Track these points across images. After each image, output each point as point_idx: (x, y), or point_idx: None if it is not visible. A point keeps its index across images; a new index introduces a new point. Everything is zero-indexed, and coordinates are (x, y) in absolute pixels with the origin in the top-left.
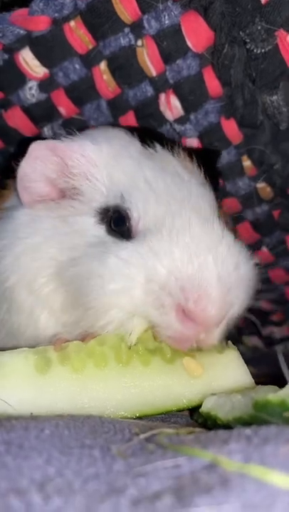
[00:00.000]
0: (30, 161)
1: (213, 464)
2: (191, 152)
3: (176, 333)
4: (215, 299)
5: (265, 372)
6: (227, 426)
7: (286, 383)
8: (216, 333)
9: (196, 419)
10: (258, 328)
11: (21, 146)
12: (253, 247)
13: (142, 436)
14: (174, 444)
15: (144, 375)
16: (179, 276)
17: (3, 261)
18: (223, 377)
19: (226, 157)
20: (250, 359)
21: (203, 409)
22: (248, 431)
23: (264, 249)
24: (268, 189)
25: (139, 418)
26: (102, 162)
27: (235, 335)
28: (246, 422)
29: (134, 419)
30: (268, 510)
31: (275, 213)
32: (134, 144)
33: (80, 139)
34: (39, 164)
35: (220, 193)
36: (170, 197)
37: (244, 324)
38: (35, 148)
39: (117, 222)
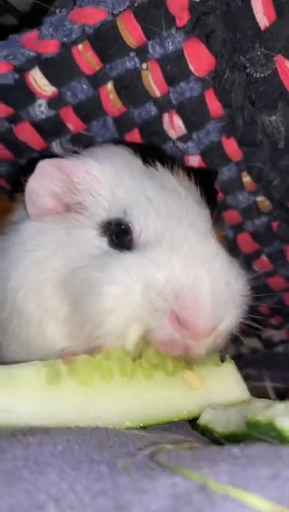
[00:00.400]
0: (38, 178)
1: (203, 485)
2: (189, 171)
3: (167, 337)
4: (206, 310)
5: (263, 373)
6: (223, 437)
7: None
8: (204, 343)
9: (196, 428)
10: (257, 331)
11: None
12: (253, 257)
13: (145, 452)
14: (171, 463)
15: (147, 387)
16: (175, 285)
17: (13, 274)
18: (221, 390)
19: (226, 173)
20: (250, 360)
21: (201, 421)
22: (236, 450)
23: (263, 258)
24: (267, 202)
25: (143, 427)
26: (105, 179)
27: (235, 337)
28: (240, 436)
29: (138, 428)
30: None
31: (274, 225)
32: (135, 163)
33: (84, 158)
34: (46, 180)
35: (221, 206)
36: (169, 213)
37: (244, 327)
38: (43, 166)
39: (119, 235)
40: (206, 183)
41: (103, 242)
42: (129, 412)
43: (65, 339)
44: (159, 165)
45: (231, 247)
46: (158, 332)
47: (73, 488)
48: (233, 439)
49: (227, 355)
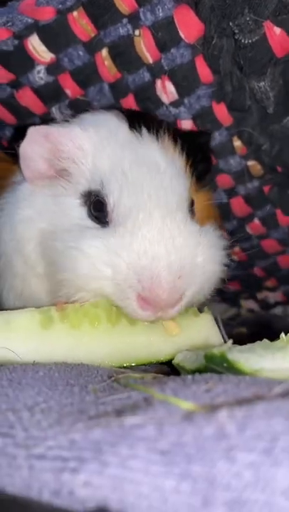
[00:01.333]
0: (29, 143)
1: (149, 396)
2: (178, 135)
3: (138, 316)
4: (164, 286)
5: (258, 332)
6: (191, 373)
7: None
8: (173, 312)
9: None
10: (253, 292)
11: None
12: (246, 220)
13: (113, 378)
14: (132, 384)
15: (130, 333)
16: (136, 269)
17: (5, 228)
18: (196, 336)
19: (217, 138)
20: (246, 320)
21: (175, 361)
22: (189, 377)
23: (256, 221)
24: (258, 167)
25: (124, 368)
26: (88, 148)
27: (233, 299)
28: (202, 371)
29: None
30: (167, 420)
31: (266, 189)
32: (121, 130)
33: (70, 125)
34: (36, 146)
35: (213, 170)
36: (140, 190)
37: (241, 289)
38: (31, 133)
39: (96, 207)
40: (199, 145)
41: (83, 212)
42: (113, 353)
43: (47, 294)
44: (144, 131)
45: (225, 211)
46: (128, 310)
47: (46, 401)
48: (198, 372)
49: (206, 307)
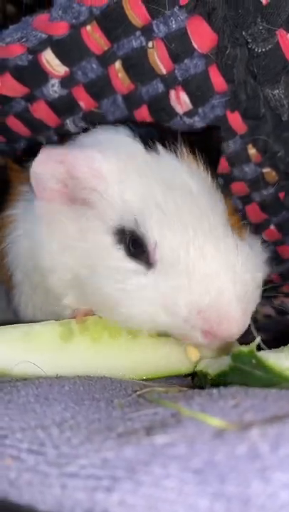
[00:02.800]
0: (42, 164)
1: (176, 412)
2: (190, 142)
3: (198, 343)
4: (236, 319)
5: (274, 337)
6: (216, 381)
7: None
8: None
9: (195, 382)
10: (269, 298)
11: None
12: (262, 227)
13: (138, 393)
14: (158, 399)
15: (151, 345)
16: (199, 308)
17: (22, 244)
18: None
19: (232, 146)
20: (263, 326)
21: (197, 368)
22: (214, 390)
23: (272, 227)
24: (273, 173)
25: (146, 380)
26: (111, 178)
27: None
28: (227, 373)
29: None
30: (198, 438)
31: (281, 195)
32: (138, 151)
33: (86, 149)
34: (50, 168)
35: (228, 178)
36: (181, 222)
37: None
38: (44, 155)
39: (135, 244)
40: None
41: (120, 252)
42: (133, 366)
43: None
44: (160, 148)
45: (241, 218)
46: (190, 339)
47: (74, 417)
48: (223, 377)
49: None
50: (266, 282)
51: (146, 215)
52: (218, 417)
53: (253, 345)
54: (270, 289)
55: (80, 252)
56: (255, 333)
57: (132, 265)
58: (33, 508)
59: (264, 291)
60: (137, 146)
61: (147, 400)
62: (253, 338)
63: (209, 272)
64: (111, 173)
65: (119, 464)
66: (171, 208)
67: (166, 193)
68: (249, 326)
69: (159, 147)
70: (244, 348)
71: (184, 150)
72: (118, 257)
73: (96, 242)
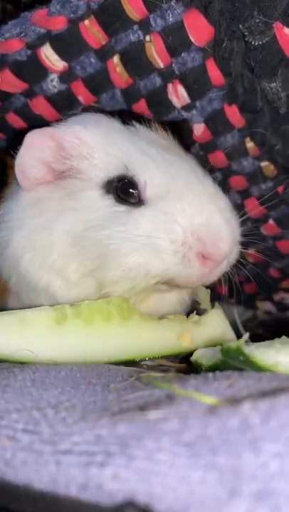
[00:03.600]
0: (28, 148)
1: (171, 392)
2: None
3: (197, 278)
4: (226, 237)
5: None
6: (208, 369)
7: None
8: (219, 270)
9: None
10: (269, 294)
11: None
12: (261, 221)
13: (134, 377)
14: (154, 381)
15: (143, 327)
16: (194, 229)
17: (14, 239)
18: (208, 331)
19: (230, 140)
20: (263, 322)
21: (193, 358)
22: (210, 374)
23: (271, 222)
24: (272, 167)
25: (140, 362)
26: (95, 142)
27: (249, 301)
28: (218, 366)
29: (137, 362)
30: (191, 413)
31: (280, 189)
32: (117, 124)
33: (71, 124)
34: (36, 150)
35: (226, 172)
36: (166, 163)
37: (257, 291)
38: (31, 137)
39: (124, 190)
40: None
41: (109, 200)
42: (126, 347)
43: (69, 290)
44: (136, 124)
45: (239, 212)
46: (188, 277)
47: (70, 399)
48: (215, 368)
49: (216, 303)
50: (265, 277)
51: (133, 159)
52: (213, 396)
53: (241, 341)
54: (270, 285)
55: (72, 214)
56: (242, 330)
57: (122, 208)
58: (29, 486)
59: (265, 287)
60: (113, 121)
61: (143, 383)
62: None
63: (198, 199)
64: (93, 138)
65: (112, 440)
66: (154, 153)
67: (147, 144)
68: (236, 322)
69: (135, 123)
70: (232, 345)
71: (157, 125)
72: (108, 204)
73: (86, 198)
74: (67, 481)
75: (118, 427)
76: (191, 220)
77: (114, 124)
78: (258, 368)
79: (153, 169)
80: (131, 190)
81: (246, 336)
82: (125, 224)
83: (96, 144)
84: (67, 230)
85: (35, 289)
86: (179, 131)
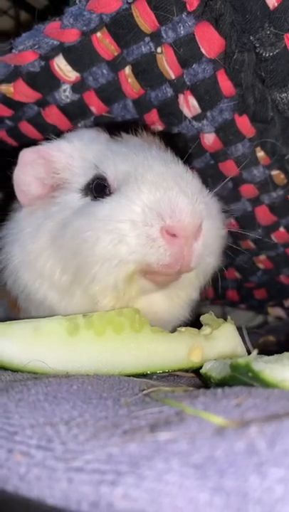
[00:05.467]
0: (22, 167)
1: (181, 411)
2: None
3: (167, 257)
4: (185, 208)
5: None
6: (220, 383)
7: None
8: (195, 249)
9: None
10: (280, 300)
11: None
12: (271, 229)
13: (145, 392)
14: (163, 398)
15: (153, 340)
16: (152, 206)
17: (12, 253)
18: (219, 345)
19: (240, 149)
20: (274, 328)
21: (202, 370)
22: (219, 390)
23: (281, 229)
24: (282, 176)
25: (151, 374)
26: (75, 152)
27: (260, 307)
28: (228, 380)
29: (147, 374)
30: (199, 435)
31: None
32: (102, 135)
33: (57, 141)
34: (29, 168)
35: (237, 181)
36: (133, 156)
37: (267, 297)
38: (24, 155)
39: (98, 188)
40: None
41: (86, 199)
42: (136, 359)
43: (66, 303)
44: (124, 134)
45: (250, 220)
46: (159, 259)
47: (82, 415)
48: (224, 382)
49: (229, 317)
50: (276, 283)
51: (103, 157)
52: (221, 416)
53: (250, 358)
54: (280, 291)
55: (54, 215)
56: (250, 347)
57: (96, 203)
58: (42, 501)
59: (275, 293)
60: (101, 133)
61: (153, 399)
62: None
63: (157, 178)
64: (74, 149)
65: (123, 459)
66: (124, 152)
67: (119, 146)
68: (243, 337)
69: (123, 134)
70: (241, 361)
71: (145, 133)
72: (83, 203)
73: (66, 200)
74: (79, 498)
75: (129, 447)
76: (148, 197)
77: (99, 135)
78: (266, 385)
79: (116, 160)
80: (103, 185)
81: (255, 352)
82: (88, 214)
83: (75, 154)
84: (48, 233)
85: (36, 303)
86: (175, 144)
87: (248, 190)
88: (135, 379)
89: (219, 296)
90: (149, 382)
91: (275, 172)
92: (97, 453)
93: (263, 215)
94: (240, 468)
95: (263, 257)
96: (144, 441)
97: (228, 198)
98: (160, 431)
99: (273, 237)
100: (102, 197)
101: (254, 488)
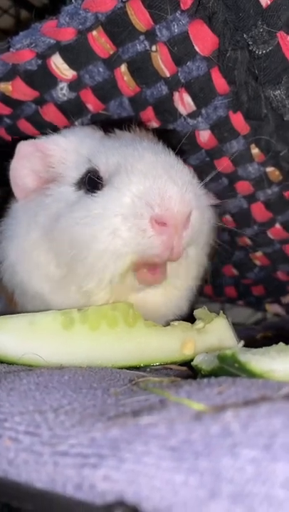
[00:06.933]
0: (18, 159)
1: (165, 398)
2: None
3: (158, 248)
4: (174, 196)
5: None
6: (209, 375)
7: None
8: (186, 236)
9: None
10: (277, 296)
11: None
12: (267, 225)
13: (133, 382)
14: (150, 387)
15: (147, 334)
16: (141, 195)
17: (8, 248)
18: (211, 339)
19: (235, 146)
20: (272, 325)
21: (194, 363)
22: (205, 380)
23: (277, 226)
24: (277, 172)
25: (144, 367)
26: (70, 147)
27: (258, 303)
28: (216, 371)
29: (140, 367)
30: (178, 419)
31: (286, 194)
32: (97, 132)
33: (53, 135)
34: (25, 161)
35: (232, 177)
36: (124, 148)
37: (265, 293)
38: (21, 148)
39: (91, 182)
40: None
41: (80, 193)
42: (130, 353)
43: (62, 296)
44: (117, 130)
45: (246, 217)
46: (150, 249)
47: (71, 403)
48: (213, 374)
49: (221, 311)
50: (273, 280)
51: (96, 151)
52: (203, 403)
53: (236, 349)
54: (278, 288)
55: (47, 207)
56: (237, 338)
57: (89, 197)
58: (30, 485)
59: (273, 290)
60: (95, 130)
61: (141, 388)
62: None
63: (146, 168)
64: (68, 144)
65: (104, 443)
66: (116, 145)
67: (112, 141)
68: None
69: (116, 130)
70: (228, 352)
71: (138, 128)
72: (77, 196)
73: (60, 194)
74: (64, 481)
75: (111, 431)
76: (137, 187)
77: (93, 132)
78: (252, 375)
79: (108, 153)
80: (96, 179)
81: (241, 343)
82: (81, 209)
83: (70, 148)
84: (41, 225)
85: (32, 297)
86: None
87: (243, 186)
88: (127, 371)
89: (218, 293)
90: (140, 373)
91: (269, 169)
92: (80, 438)
93: (259, 212)
94: (215, 450)
95: (259, 253)
96: (125, 425)
97: (224, 194)
98: (142, 416)
99: (269, 234)
100: (95, 190)
101: (227, 468)
